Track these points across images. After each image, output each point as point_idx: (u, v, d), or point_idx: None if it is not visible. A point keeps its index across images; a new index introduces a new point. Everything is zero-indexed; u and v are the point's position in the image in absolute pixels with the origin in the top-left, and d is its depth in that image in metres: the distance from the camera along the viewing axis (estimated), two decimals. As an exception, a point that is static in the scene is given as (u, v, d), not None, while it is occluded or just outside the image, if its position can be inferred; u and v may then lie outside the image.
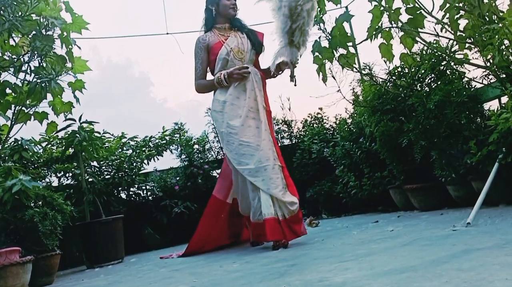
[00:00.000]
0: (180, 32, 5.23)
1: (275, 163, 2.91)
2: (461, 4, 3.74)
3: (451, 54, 3.62)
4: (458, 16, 3.85)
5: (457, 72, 3.55)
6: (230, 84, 3.04)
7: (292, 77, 3.10)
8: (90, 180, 4.34)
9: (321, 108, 5.40)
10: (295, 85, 3.13)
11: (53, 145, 4.53)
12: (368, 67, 3.97)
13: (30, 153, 3.31)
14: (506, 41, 3.55)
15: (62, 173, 4.51)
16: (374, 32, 3.77)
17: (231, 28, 3.23)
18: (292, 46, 2.97)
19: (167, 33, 5.24)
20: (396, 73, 3.85)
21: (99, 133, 4.56)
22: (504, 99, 3.38)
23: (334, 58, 3.56)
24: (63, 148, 4.16)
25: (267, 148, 2.91)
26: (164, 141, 5.39)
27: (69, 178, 4.54)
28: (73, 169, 4.39)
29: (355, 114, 4.56)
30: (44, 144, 4.47)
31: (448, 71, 3.58)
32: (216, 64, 3.12)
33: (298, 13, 2.85)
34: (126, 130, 5.14)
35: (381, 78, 3.90)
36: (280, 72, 3.14)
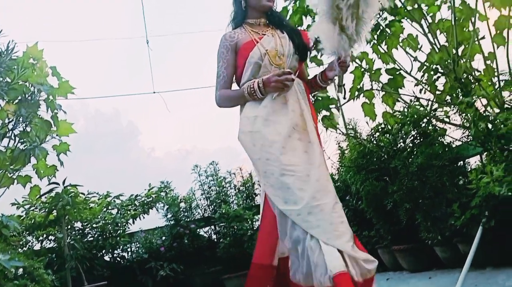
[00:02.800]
0: (167, 91, 5.30)
1: (336, 200, 1.95)
2: (438, 66, 3.88)
3: (432, 112, 3.72)
4: (436, 77, 3.99)
5: (438, 129, 3.63)
6: (266, 95, 2.09)
7: (341, 85, 2.13)
8: (72, 242, 4.24)
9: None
10: (344, 97, 2.31)
11: (37, 207, 4.46)
12: (352, 126, 4.06)
13: (11, 230, 3.24)
14: (483, 101, 3.68)
15: (44, 236, 4.40)
16: (356, 93, 3.89)
17: (267, 25, 2.31)
18: (341, 33, 2.00)
19: (154, 92, 5.31)
20: (380, 130, 3.93)
21: (84, 194, 4.51)
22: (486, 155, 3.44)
23: (319, 119, 3.63)
24: (46, 213, 4.09)
25: (323, 178, 1.95)
26: (150, 199, 5.34)
27: (51, 241, 4.44)
28: (55, 233, 4.30)
29: (342, 171, 4.58)
30: (27, 207, 4.40)
31: (430, 128, 3.66)
32: (244, 70, 2.17)
33: None
34: (114, 182, 5.15)
35: (364, 137, 3.98)
36: (335, 74, 2.12)
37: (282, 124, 2.03)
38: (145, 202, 5.30)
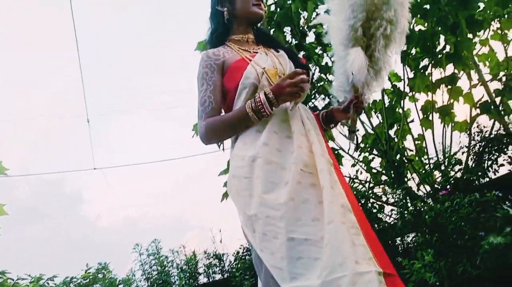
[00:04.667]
0: (108, 167, 5.19)
1: (368, 268, 1.28)
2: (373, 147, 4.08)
3: (369, 190, 3.86)
4: (371, 158, 4.18)
5: (377, 206, 3.74)
6: (277, 107, 1.56)
7: (354, 131, 1.76)
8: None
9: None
10: (357, 147, 1.94)
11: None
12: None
13: None
14: (415, 177, 3.87)
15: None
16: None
17: (255, 43, 1.83)
18: (368, 66, 1.62)
19: (94, 168, 5.19)
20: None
21: (13, 280, 4.18)
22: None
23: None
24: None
25: (346, 241, 1.31)
26: (87, 281, 5.04)
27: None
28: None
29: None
30: None
31: (369, 206, 3.76)
32: (237, 95, 1.64)
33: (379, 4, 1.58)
34: (57, 254, 4.82)
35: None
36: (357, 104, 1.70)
37: (286, 167, 1.48)
38: (82, 284, 4.98)
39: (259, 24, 1.87)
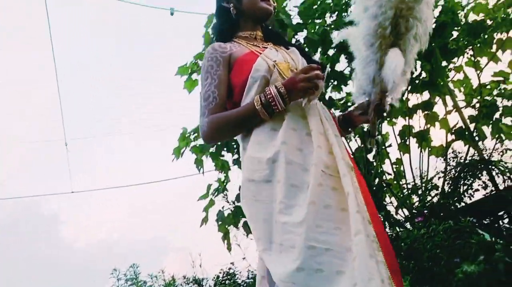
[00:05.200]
0: (86, 190, 5.13)
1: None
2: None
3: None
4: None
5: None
6: (289, 103, 1.41)
7: (374, 135, 1.59)
8: None
9: (232, 263, 5.30)
10: (377, 152, 1.74)
11: None
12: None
13: None
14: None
15: None
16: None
17: (264, 40, 1.71)
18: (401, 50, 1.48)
19: (72, 192, 5.12)
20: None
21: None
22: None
23: (240, 225, 3.64)
24: None
25: (372, 256, 1.16)
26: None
27: None
28: None
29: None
30: None
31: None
32: (246, 89, 1.48)
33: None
34: (34, 277, 4.70)
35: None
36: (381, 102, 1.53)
37: (306, 168, 1.32)
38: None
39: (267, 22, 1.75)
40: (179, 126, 4.00)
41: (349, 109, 1.68)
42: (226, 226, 3.52)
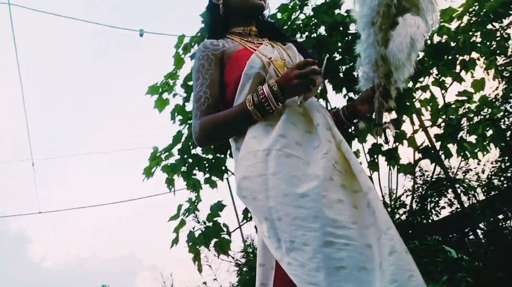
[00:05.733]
0: (53, 210, 5.02)
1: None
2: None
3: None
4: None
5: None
6: (283, 101, 1.31)
7: (381, 124, 1.45)
8: None
9: (205, 283, 5.25)
10: (386, 142, 1.51)
11: None
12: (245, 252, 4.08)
13: None
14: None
15: None
16: (248, 215, 3.98)
17: (258, 36, 1.62)
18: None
19: (39, 212, 5.00)
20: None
21: None
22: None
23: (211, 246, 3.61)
24: None
25: (405, 251, 1.08)
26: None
27: None
28: None
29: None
30: None
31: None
32: (240, 87, 1.40)
33: None
34: None
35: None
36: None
37: (314, 163, 1.20)
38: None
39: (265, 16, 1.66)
40: (149, 146, 3.98)
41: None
42: (197, 247, 3.49)
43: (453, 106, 3.89)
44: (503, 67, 3.47)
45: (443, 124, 3.73)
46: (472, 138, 3.77)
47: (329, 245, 1.06)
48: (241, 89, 1.37)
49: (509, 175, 3.07)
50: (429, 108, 4.15)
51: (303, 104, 1.29)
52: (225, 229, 3.51)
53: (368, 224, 1.11)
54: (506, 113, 3.31)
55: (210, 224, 3.52)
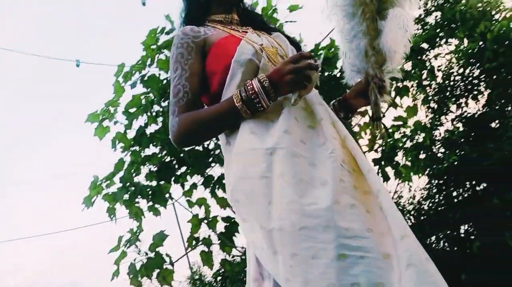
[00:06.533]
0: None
1: None
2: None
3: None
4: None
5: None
6: (275, 99, 1.16)
7: (379, 117, 1.36)
8: None
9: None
10: (382, 136, 1.44)
11: None
12: (197, 274, 4.06)
13: None
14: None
15: None
16: (194, 242, 3.97)
17: (241, 24, 1.43)
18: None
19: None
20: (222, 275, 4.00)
21: None
22: None
23: (154, 276, 3.56)
24: None
25: (426, 259, 0.95)
26: None
27: None
28: None
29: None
30: None
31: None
32: (230, 76, 1.22)
33: None
34: None
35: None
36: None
37: (320, 164, 1.08)
38: None
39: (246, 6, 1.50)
40: (89, 174, 3.89)
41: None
42: (139, 278, 3.43)
43: (390, 130, 4.05)
44: (430, 97, 3.65)
45: (380, 148, 3.87)
46: (408, 163, 3.93)
47: (342, 258, 0.94)
48: (230, 79, 1.20)
49: (437, 200, 3.23)
50: (368, 131, 4.30)
51: (297, 103, 1.14)
52: (167, 260, 3.48)
53: (384, 230, 0.99)
54: (434, 141, 3.49)
55: (153, 254, 3.47)
